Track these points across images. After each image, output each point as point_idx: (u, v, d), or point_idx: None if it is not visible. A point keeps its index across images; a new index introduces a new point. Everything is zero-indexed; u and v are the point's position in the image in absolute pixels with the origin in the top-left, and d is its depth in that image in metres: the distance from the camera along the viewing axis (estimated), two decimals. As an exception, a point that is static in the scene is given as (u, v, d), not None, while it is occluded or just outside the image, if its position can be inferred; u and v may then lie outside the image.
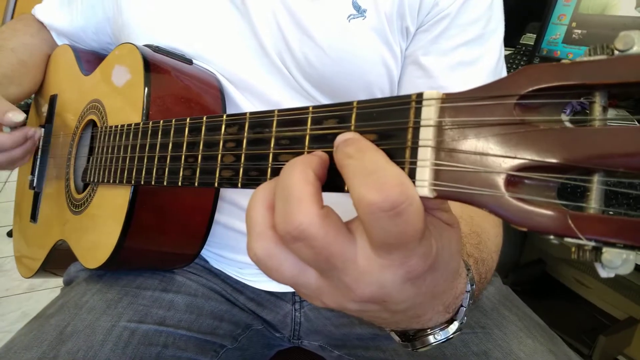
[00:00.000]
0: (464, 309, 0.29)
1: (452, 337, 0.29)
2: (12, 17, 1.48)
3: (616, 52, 0.17)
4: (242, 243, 0.54)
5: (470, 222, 0.40)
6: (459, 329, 0.29)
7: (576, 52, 0.92)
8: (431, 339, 0.29)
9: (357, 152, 0.21)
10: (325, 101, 0.51)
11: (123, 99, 0.49)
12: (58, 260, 0.61)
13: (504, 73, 0.53)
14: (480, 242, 0.38)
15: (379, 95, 0.51)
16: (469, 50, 0.49)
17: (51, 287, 1.46)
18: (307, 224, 0.21)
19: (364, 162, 0.21)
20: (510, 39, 1.11)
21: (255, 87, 0.51)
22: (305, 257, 0.22)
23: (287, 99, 0.51)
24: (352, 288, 0.22)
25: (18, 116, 0.54)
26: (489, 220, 0.43)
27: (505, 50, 0.54)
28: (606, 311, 1.12)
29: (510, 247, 1.33)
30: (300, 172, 0.22)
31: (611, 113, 0.77)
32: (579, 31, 0.92)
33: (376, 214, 0.20)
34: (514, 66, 1.07)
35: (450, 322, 0.29)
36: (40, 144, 0.65)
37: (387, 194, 0.19)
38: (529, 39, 1.09)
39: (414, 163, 0.21)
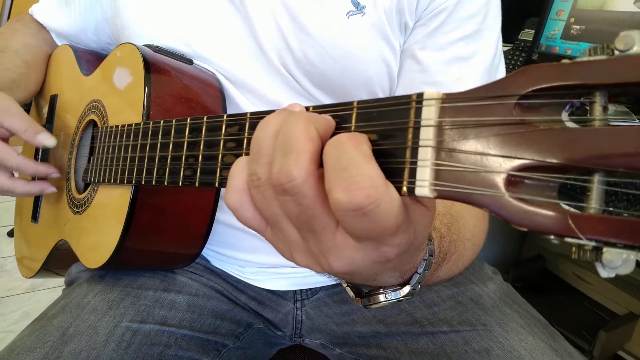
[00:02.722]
0: (418, 275, 0.30)
1: (402, 299, 0.31)
2: (8, 17, 1.47)
3: (616, 52, 0.17)
4: (243, 241, 0.54)
5: (450, 206, 0.41)
6: (410, 293, 0.31)
7: (575, 47, 0.92)
8: (382, 297, 0.31)
9: (335, 144, 0.21)
10: (325, 100, 0.51)
11: (123, 99, 0.49)
12: (59, 260, 0.61)
13: (501, 69, 0.52)
14: (452, 223, 0.39)
15: (380, 93, 0.51)
16: (466, 46, 0.48)
17: (51, 287, 1.46)
18: (301, 180, 0.21)
19: (339, 157, 0.21)
20: (509, 35, 1.11)
21: (255, 87, 0.51)
22: (288, 211, 0.23)
23: (287, 100, 0.51)
24: (324, 256, 0.23)
25: (51, 140, 0.54)
26: (470, 211, 0.43)
27: (504, 46, 0.54)
28: (606, 306, 1.12)
29: (510, 243, 1.33)
30: (304, 126, 0.22)
31: (610, 109, 0.77)
32: (578, 27, 0.92)
33: (342, 211, 0.20)
34: (513, 62, 1.07)
35: (403, 285, 0.31)
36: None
37: (352, 196, 0.20)
38: (527, 34, 1.08)
39: (415, 163, 0.21)
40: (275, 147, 0.22)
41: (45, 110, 0.67)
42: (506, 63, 1.07)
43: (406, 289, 0.30)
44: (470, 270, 0.55)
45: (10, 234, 1.71)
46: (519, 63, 1.07)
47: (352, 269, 0.23)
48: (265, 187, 0.23)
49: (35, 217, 0.66)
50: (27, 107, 0.70)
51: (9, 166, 0.53)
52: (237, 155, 0.29)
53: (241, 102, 0.51)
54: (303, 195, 0.22)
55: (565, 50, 0.94)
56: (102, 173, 0.47)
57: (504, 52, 1.09)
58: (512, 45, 1.10)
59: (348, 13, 0.47)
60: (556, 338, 0.47)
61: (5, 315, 1.36)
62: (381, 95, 0.51)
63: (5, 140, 0.55)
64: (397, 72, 0.51)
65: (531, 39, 1.02)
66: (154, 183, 0.37)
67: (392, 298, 0.30)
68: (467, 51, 0.49)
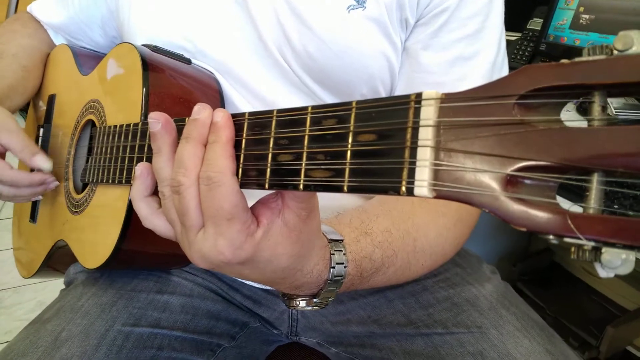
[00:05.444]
0: (323, 292, 0.36)
1: (309, 308, 0.37)
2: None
3: (615, 52, 0.16)
4: None
5: (405, 219, 0.43)
6: (316, 304, 0.37)
7: (583, 38, 0.90)
8: (294, 303, 0.37)
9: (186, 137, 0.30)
10: (325, 95, 0.50)
11: (122, 99, 0.49)
12: (59, 260, 0.61)
13: (505, 68, 0.51)
14: (391, 240, 0.41)
15: (380, 88, 0.50)
16: (468, 45, 0.48)
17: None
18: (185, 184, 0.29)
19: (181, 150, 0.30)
20: (517, 24, 1.09)
21: (254, 84, 0.50)
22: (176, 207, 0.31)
23: (286, 95, 0.50)
24: (189, 249, 0.31)
25: (47, 164, 0.54)
26: (436, 222, 0.44)
27: (512, 35, 0.53)
28: (615, 301, 1.11)
29: (518, 236, 1.32)
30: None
31: (619, 102, 0.76)
32: (587, 16, 0.90)
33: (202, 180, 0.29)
34: (520, 52, 1.06)
35: (314, 296, 0.37)
36: (40, 143, 0.65)
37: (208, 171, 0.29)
38: (536, 23, 1.06)
39: (413, 163, 0.21)
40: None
41: (44, 110, 0.67)
42: (514, 53, 1.06)
43: (311, 300, 0.37)
44: (467, 270, 0.54)
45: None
46: (526, 53, 1.05)
47: (203, 261, 0.30)
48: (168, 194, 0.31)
49: (33, 217, 0.66)
50: (25, 107, 0.69)
51: (4, 181, 0.53)
52: (236, 156, 0.29)
53: (239, 102, 0.51)
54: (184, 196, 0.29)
55: (574, 41, 0.93)
56: (100, 173, 0.46)
57: (512, 41, 1.07)
58: (520, 34, 1.08)
59: (349, 7, 0.46)
60: (554, 341, 0.46)
61: (22, 304, 1.39)
62: (382, 91, 0.51)
63: (1, 156, 0.55)
64: (397, 67, 0.50)
65: (539, 29, 1.00)
66: (152, 183, 0.37)
67: (302, 305, 0.37)
68: (469, 51, 0.48)
